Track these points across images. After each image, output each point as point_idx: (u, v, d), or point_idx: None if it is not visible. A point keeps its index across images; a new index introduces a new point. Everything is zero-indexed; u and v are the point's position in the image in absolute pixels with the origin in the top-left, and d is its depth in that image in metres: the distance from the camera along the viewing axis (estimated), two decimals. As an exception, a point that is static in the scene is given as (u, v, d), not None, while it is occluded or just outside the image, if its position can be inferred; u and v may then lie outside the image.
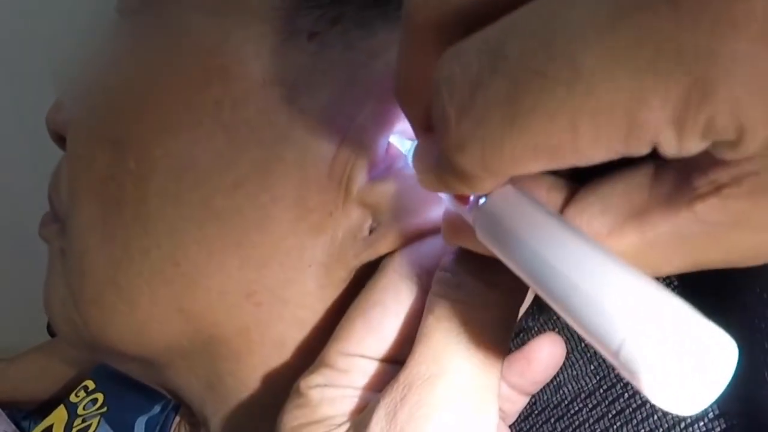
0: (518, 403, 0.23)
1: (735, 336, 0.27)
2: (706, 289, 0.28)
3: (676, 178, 0.13)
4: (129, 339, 0.23)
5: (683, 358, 0.11)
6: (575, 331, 0.31)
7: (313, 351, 0.21)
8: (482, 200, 0.15)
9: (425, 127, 0.15)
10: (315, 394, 0.19)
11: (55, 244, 0.26)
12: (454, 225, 0.17)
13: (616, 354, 0.12)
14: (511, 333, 0.18)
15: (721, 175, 0.12)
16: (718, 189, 0.13)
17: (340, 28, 0.20)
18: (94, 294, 0.23)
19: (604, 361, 0.30)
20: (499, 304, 0.18)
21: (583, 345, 0.31)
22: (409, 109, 0.15)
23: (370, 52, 0.20)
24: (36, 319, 0.60)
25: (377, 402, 0.18)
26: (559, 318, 0.31)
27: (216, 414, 0.25)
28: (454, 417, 0.17)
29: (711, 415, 0.27)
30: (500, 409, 0.23)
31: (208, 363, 0.24)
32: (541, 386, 0.23)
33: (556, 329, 0.31)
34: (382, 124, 0.20)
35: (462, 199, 0.16)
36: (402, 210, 0.20)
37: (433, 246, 0.20)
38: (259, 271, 0.21)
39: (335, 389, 0.19)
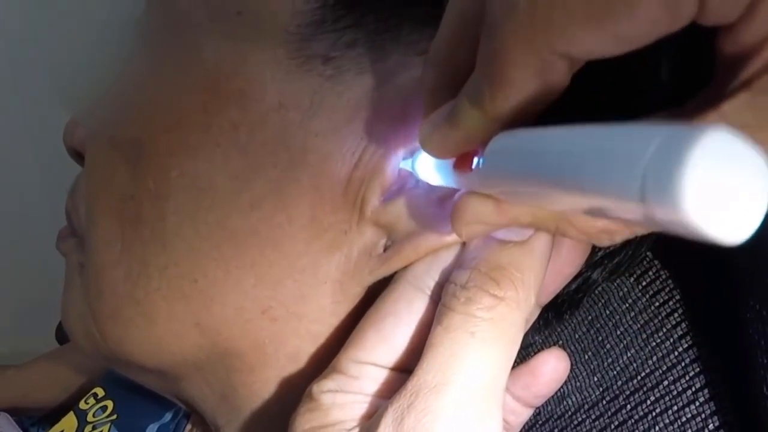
0: (522, 415, 0.24)
1: (733, 351, 0.28)
2: (704, 306, 0.29)
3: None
4: (146, 352, 0.24)
5: (722, 171, 0.10)
6: (580, 343, 0.32)
7: (326, 364, 0.22)
8: (487, 149, 0.16)
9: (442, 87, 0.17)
10: (326, 399, 0.20)
11: (73, 258, 0.27)
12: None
13: (643, 194, 0.11)
14: (518, 346, 0.19)
15: (749, 70, 0.13)
16: (746, 84, 0.13)
17: (354, 52, 0.21)
18: (113, 309, 0.24)
19: (607, 372, 0.31)
20: (505, 318, 0.19)
21: (586, 357, 0.32)
22: (437, 66, 0.17)
23: (383, 76, 0.21)
24: (45, 326, 0.61)
25: (386, 408, 0.19)
26: (563, 330, 0.32)
27: (229, 424, 0.26)
28: (458, 425, 0.18)
29: (711, 426, 0.28)
30: (505, 421, 0.24)
31: (222, 375, 0.25)
32: (544, 400, 0.24)
33: (561, 342, 0.32)
34: (394, 146, 0.21)
35: (465, 162, 0.17)
36: (415, 228, 0.21)
37: (444, 260, 0.21)
38: (274, 288, 0.22)
39: (346, 395, 0.20)
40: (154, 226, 0.23)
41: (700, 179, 0.10)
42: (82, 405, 0.42)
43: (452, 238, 0.20)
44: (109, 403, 0.41)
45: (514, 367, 0.23)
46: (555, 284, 0.22)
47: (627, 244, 0.26)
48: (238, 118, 0.22)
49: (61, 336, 0.60)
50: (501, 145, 0.16)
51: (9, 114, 0.70)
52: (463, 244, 0.20)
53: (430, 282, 0.20)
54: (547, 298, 0.22)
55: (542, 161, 0.14)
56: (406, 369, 0.20)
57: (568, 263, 0.21)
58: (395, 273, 0.22)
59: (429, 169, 0.20)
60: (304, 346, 0.23)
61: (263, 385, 0.24)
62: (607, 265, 0.26)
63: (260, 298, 0.22)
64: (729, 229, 0.10)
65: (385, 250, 0.22)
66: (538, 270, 0.19)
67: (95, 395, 0.42)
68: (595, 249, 0.25)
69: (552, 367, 0.22)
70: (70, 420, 0.42)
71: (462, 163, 0.18)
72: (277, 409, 0.24)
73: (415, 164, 0.21)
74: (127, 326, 0.24)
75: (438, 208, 0.21)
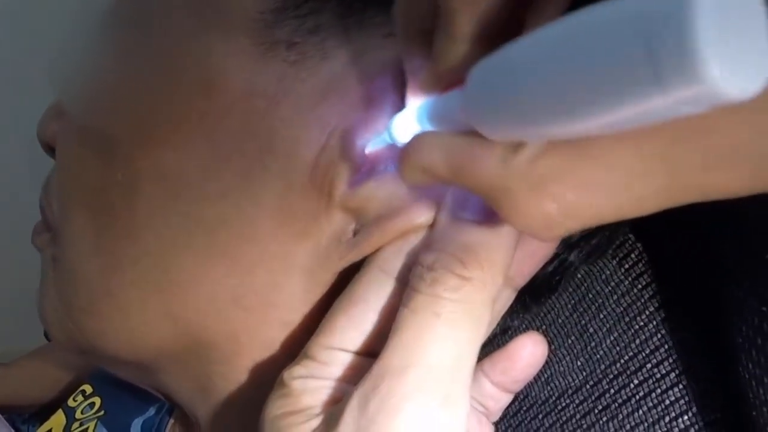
0: (502, 400, 0.24)
1: (719, 354, 0.28)
2: (687, 288, 0.29)
3: None
4: (121, 345, 0.24)
5: (728, 20, 0.10)
6: (563, 328, 0.32)
7: (299, 351, 0.22)
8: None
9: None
10: (297, 385, 0.20)
11: (47, 252, 0.27)
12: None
13: (650, 53, 0.10)
14: (484, 327, 0.19)
15: None
16: None
17: (318, 37, 0.21)
18: (87, 302, 0.24)
19: (590, 357, 0.31)
20: (472, 298, 0.19)
21: (570, 341, 0.32)
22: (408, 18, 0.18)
23: (347, 60, 0.21)
24: (34, 323, 0.61)
25: (352, 392, 0.19)
26: (547, 315, 0.32)
27: (207, 414, 0.26)
28: (422, 408, 0.18)
29: (695, 409, 0.28)
30: (484, 407, 0.24)
31: (198, 366, 0.25)
32: (522, 385, 0.24)
33: (544, 327, 0.32)
34: (360, 130, 0.21)
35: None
36: (383, 212, 0.21)
37: (413, 244, 0.21)
38: (246, 276, 0.22)
39: (317, 380, 0.20)
40: (125, 218, 0.23)
41: (711, 30, 0.10)
42: (70, 402, 0.43)
43: (420, 220, 0.20)
44: (97, 400, 0.42)
45: (492, 351, 0.24)
46: (529, 267, 0.22)
47: (605, 226, 0.26)
48: (205, 107, 0.22)
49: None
50: (479, 66, 0.15)
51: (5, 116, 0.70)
52: (432, 227, 0.20)
53: (399, 265, 0.20)
54: (523, 280, 0.22)
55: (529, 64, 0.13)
56: (374, 353, 0.20)
57: (541, 245, 0.21)
58: (365, 258, 0.22)
59: (410, 123, 0.19)
60: (277, 335, 0.23)
61: (238, 375, 0.24)
62: (583, 247, 0.26)
63: (232, 287, 0.23)
64: (741, 82, 0.10)
65: (354, 235, 0.22)
66: (505, 250, 0.19)
67: (83, 392, 0.43)
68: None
69: (529, 352, 0.22)
70: (59, 417, 0.42)
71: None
72: (254, 396, 0.24)
73: (393, 128, 0.20)
74: (102, 319, 0.24)
75: (406, 191, 0.21)
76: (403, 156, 0.17)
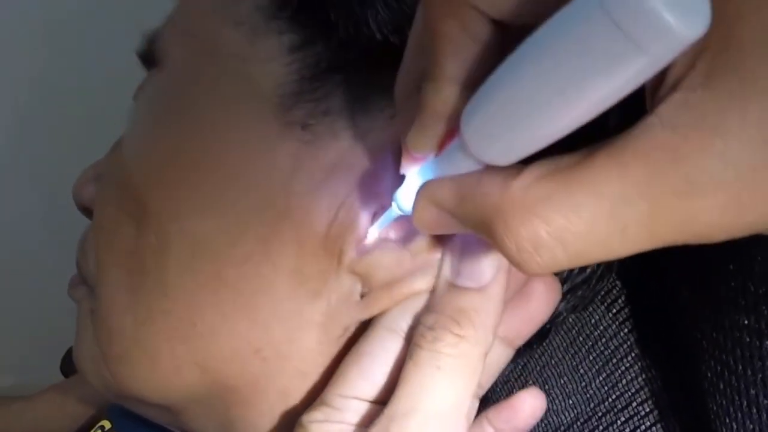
0: None
1: (685, 388, 0.31)
2: (667, 332, 0.32)
3: None
4: (152, 389, 0.28)
5: None
6: (556, 368, 0.35)
7: (313, 397, 0.26)
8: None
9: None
10: (315, 428, 0.24)
11: (85, 304, 0.31)
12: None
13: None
14: (477, 377, 0.23)
15: (674, 73, 0.15)
16: (674, 86, 0.15)
17: (329, 119, 0.25)
18: (121, 351, 0.28)
19: (580, 396, 0.34)
20: (466, 354, 0.22)
21: (562, 381, 0.35)
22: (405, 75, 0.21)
23: (354, 140, 0.25)
24: (51, 358, 0.64)
25: None
26: (541, 356, 0.36)
27: (228, 453, 0.30)
28: None
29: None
30: None
31: (221, 409, 0.28)
32: None
33: (538, 367, 0.35)
34: (366, 202, 0.25)
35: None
36: (388, 279, 0.25)
37: (415, 307, 0.24)
38: (264, 331, 0.26)
39: (332, 425, 0.24)
40: (156, 276, 0.27)
41: None
42: (89, 437, 0.45)
43: (420, 286, 0.24)
44: (115, 436, 0.44)
45: (498, 402, 0.27)
46: (527, 329, 0.26)
47: (588, 280, 0.30)
48: (230, 180, 0.26)
49: (67, 368, 0.63)
50: (471, 102, 0.18)
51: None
52: (432, 292, 0.24)
53: (404, 325, 0.24)
54: (521, 341, 0.26)
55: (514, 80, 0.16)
56: (384, 401, 0.24)
57: (538, 312, 0.25)
58: (373, 317, 0.25)
59: (411, 192, 0.22)
60: (293, 382, 0.27)
61: (258, 418, 0.28)
62: (570, 299, 0.30)
63: (252, 339, 0.26)
64: (685, 17, 0.13)
65: (362, 296, 0.25)
66: (494, 312, 0.23)
67: (102, 428, 0.45)
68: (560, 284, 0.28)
69: (529, 404, 0.26)
70: (78, 452, 0.45)
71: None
72: None
73: (398, 199, 0.23)
74: (134, 366, 0.28)
75: (408, 260, 0.24)
76: (417, 197, 0.20)
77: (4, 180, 0.69)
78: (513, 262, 0.17)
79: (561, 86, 0.15)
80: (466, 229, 0.19)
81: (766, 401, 0.22)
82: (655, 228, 0.15)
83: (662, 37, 0.13)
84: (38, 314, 0.69)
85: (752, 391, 0.22)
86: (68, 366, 0.63)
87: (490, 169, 0.18)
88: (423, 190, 0.20)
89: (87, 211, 0.32)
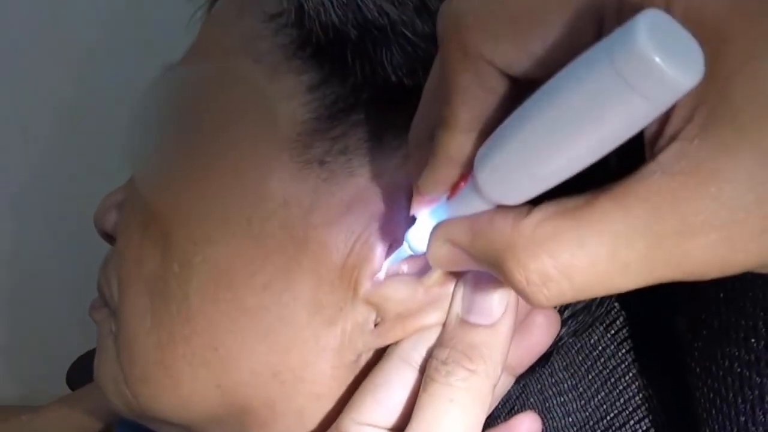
0: None
1: (681, 408, 0.32)
2: (666, 375, 0.34)
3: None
4: (173, 410, 0.29)
5: (663, 29, 0.14)
6: (556, 387, 0.37)
7: (327, 420, 0.27)
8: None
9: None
10: None
11: (106, 326, 0.32)
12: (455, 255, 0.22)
13: (613, 59, 0.14)
14: (486, 407, 0.25)
15: (672, 124, 0.16)
16: (673, 136, 0.16)
17: (345, 157, 0.27)
18: (144, 373, 0.29)
19: (579, 414, 0.35)
20: (477, 387, 0.24)
21: (562, 399, 0.36)
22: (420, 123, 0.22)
23: (369, 178, 0.27)
24: (57, 371, 0.65)
25: None
26: (542, 375, 0.37)
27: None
28: None
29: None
30: None
31: (238, 429, 0.30)
32: None
33: (539, 386, 0.37)
34: (381, 237, 0.26)
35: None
36: (401, 311, 0.26)
37: (427, 339, 0.26)
38: (282, 355, 0.27)
39: None
40: (179, 302, 0.28)
41: (650, 28, 0.14)
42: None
43: (432, 320, 0.26)
44: (124, 448, 0.46)
45: (497, 418, 0.29)
46: (528, 358, 0.27)
47: (588, 306, 0.31)
48: (251, 213, 0.27)
49: (72, 381, 0.64)
50: (485, 146, 0.19)
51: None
52: (444, 326, 0.26)
53: (417, 356, 0.26)
54: (522, 369, 0.28)
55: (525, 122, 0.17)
56: (396, 428, 0.25)
57: (539, 342, 0.27)
58: (387, 346, 0.27)
59: (423, 232, 0.24)
60: (308, 405, 0.28)
61: None
62: (571, 324, 0.31)
63: (271, 364, 0.27)
64: (681, 69, 0.14)
65: (375, 325, 0.27)
66: (502, 347, 0.24)
67: (112, 441, 0.47)
68: (560, 311, 0.30)
69: (526, 427, 0.27)
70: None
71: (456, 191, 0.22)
72: None
73: (409, 239, 0.25)
74: (157, 388, 0.29)
75: (421, 295, 0.26)
76: (432, 235, 0.22)
77: (17, 200, 0.70)
78: (522, 294, 0.18)
79: (571, 130, 0.17)
80: (477, 265, 0.21)
81: (754, 428, 0.24)
82: (654, 265, 0.17)
83: (662, 86, 0.15)
84: (46, 328, 0.70)
85: (742, 419, 0.24)
86: (73, 379, 0.64)
87: (500, 208, 0.20)
88: (438, 229, 0.22)
89: (108, 237, 0.33)
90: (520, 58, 0.18)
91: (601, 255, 0.17)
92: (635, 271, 0.17)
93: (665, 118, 0.17)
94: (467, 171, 0.21)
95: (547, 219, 0.18)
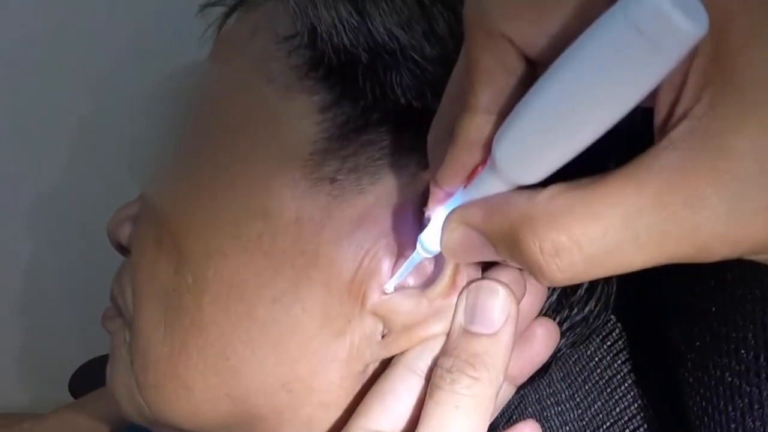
0: None
1: (676, 417, 0.34)
2: (656, 362, 0.35)
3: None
4: (185, 417, 0.30)
5: None
6: (554, 397, 0.38)
7: (335, 428, 0.28)
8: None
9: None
10: None
11: (119, 336, 0.33)
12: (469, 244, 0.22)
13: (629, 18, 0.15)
14: (490, 414, 0.26)
15: (682, 105, 0.17)
16: (683, 116, 0.17)
17: (355, 176, 0.28)
18: (157, 381, 0.30)
19: (576, 423, 0.37)
20: (481, 394, 0.25)
21: (560, 408, 0.38)
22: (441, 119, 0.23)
23: (377, 196, 0.28)
24: (60, 378, 0.66)
25: None
26: (540, 384, 0.38)
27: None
28: None
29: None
30: None
31: None
32: None
33: (537, 395, 0.38)
34: (389, 252, 0.28)
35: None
36: (407, 322, 0.27)
37: (432, 349, 0.27)
38: (291, 365, 0.28)
39: None
40: (192, 314, 0.29)
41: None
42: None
43: (437, 331, 0.27)
44: (131, 455, 0.47)
45: (497, 429, 0.30)
46: (528, 369, 0.29)
47: (586, 318, 0.33)
48: (263, 229, 0.28)
49: (75, 388, 0.65)
50: (504, 125, 0.19)
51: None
52: (448, 335, 0.27)
53: (422, 365, 0.27)
54: (523, 379, 0.29)
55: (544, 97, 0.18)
56: None
57: (539, 354, 0.29)
58: (393, 356, 0.28)
59: (438, 232, 0.23)
60: (316, 413, 0.29)
61: None
62: (569, 336, 0.32)
63: (280, 373, 0.29)
64: (689, 19, 0.15)
65: (383, 336, 0.28)
66: (504, 355, 0.26)
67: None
68: (560, 323, 0.31)
69: None
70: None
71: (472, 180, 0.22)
72: None
73: (422, 240, 0.25)
74: (169, 396, 0.30)
75: (426, 307, 0.27)
76: (446, 221, 0.22)
77: (19, 212, 0.71)
78: (535, 266, 0.19)
79: (589, 93, 0.17)
80: (489, 250, 0.21)
81: (744, 436, 0.25)
82: (664, 238, 0.17)
83: (674, 35, 0.15)
84: (50, 336, 0.71)
85: (732, 426, 0.25)
86: (76, 387, 0.65)
87: (516, 189, 0.20)
88: (452, 213, 0.22)
89: (122, 248, 0.34)
90: (539, 37, 0.19)
91: (613, 225, 0.17)
92: (645, 244, 0.17)
93: (675, 99, 0.18)
94: (485, 156, 0.21)
95: (561, 193, 0.18)
